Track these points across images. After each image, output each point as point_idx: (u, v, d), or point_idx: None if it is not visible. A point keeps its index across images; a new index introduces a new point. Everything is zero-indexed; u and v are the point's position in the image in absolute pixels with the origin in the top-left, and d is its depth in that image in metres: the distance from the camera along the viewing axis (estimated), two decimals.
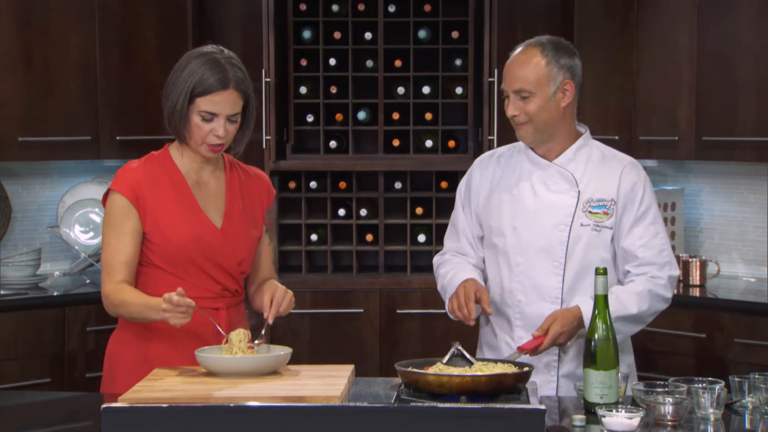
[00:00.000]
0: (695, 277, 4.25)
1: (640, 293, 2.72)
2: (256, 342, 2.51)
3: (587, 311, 2.63)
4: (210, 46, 2.64)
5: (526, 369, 2.38)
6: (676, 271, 2.78)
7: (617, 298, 2.69)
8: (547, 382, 2.76)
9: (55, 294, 4.12)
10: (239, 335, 2.46)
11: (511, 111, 2.74)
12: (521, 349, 2.60)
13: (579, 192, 2.76)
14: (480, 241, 2.90)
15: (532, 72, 2.71)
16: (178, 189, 2.64)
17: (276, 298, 2.58)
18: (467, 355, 2.42)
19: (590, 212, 2.76)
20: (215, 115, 2.58)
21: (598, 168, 2.79)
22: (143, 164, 2.66)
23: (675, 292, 2.75)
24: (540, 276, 2.76)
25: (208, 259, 2.61)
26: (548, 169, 2.79)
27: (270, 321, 2.56)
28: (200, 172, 2.68)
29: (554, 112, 2.74)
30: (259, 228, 2.75)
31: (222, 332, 2.53)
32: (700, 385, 2.40)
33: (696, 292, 4.18)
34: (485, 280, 2.87)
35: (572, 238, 2.74)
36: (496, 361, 2.47)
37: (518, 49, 2.77)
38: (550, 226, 2.76)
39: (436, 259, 2.96)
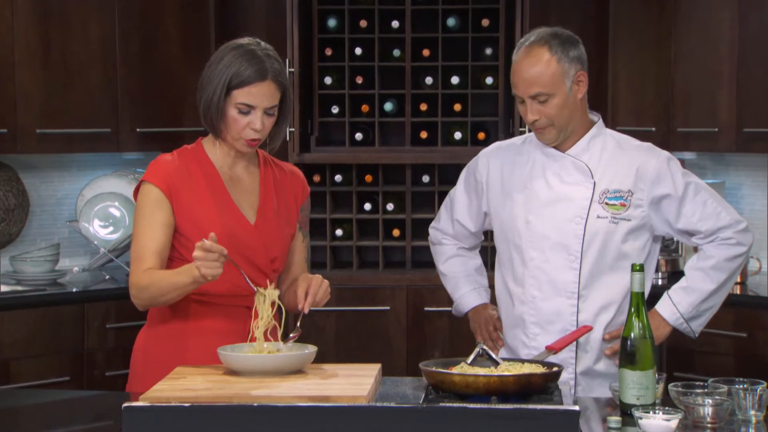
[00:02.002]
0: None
1: (715, 267, 2.81)
2: (291, 335, 2.52)
3: (668, 310, 2.80)
4: (246, 39, 2.66)
5: (555, 369, 2.37)
6: (743, 222, 2.83)
7: (691, 285, 2.81)
8: (563, 382, 2.75)
9: (74, 290, 4.15)
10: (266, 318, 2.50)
11: (531, 116, 2.73)
12: (550, 349, 2.60)
13: (594, 183, 2.76)
14: (472, 225, 3.00)
15: (546, 73, 2.69)
16: (211, 183, 2.66)
17: (312, 287, 2.58)
18: (493, 355, 2.42)
19: (607, 204, 2.76)
20: (252, 107, 2.59)
21: (614, 158, 2.79)
22: (177, 157, 2.68)
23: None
24: (555, 271, 2.77)
25: (240, 255, 2.62)
26: (562, 160, 2.79)
27: (306, 310, 2.56)
28: (234, 167, 2.70)
29: (573, 106, 2.74)
30: (293, 225, 2.76)
31: (252, 286, 2.52)
32: (740, 386, 2.38)
33: (737, 290, 4.15)
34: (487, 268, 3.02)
35: (588, 231, 2.75)
36: (522, 360, 2.47)
37: (522, 50, 2.73)
38: (566, 219, 2.76)
39: (432, 235, 3.10)
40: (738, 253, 2.82)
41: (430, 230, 3.12)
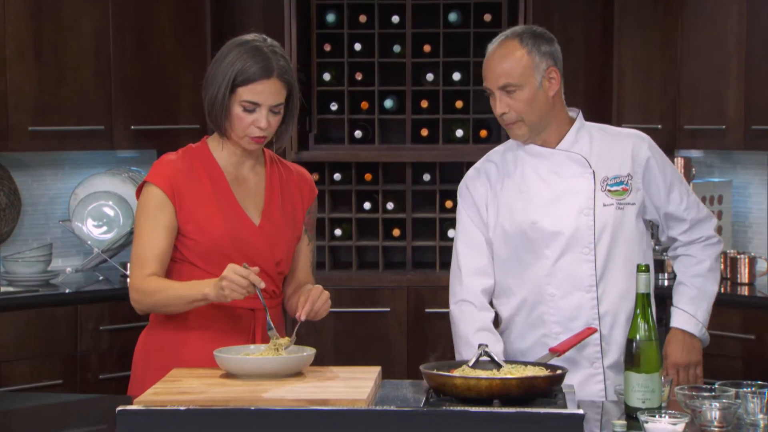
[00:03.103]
0: (743, 275, 4.23)
1: (711, 268, 2.91)
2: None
3: (690, 323, 2.85)
4: (252, 35, 2.66)
5: (559, 372, 2.37)
6: (714, 217, 2.95)
7: (699, 292, 2.88)
8: (592, 376, 2.78)
9: (67, 291, 4.16)
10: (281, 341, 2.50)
11: (499, 109, 2.75)
12: (553, 351, 2.60)
13: (593, 172, 2.79)
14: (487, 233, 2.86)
15: (515, 64, 2.73)
16: (215, 183, 2.66)
17: (312, 295, 2.58)
18: (495, 358, 2.42)
19: (609, 190, 2.80)
20: (257, 105, 2.59)
21: (604, 145, 2.83)
22: (181, 156, 2.68)
23: (722, 287, 2.97)
24: (571, 266, 2.78)
25: (244, 256, 2.61)
26: (554, 156, 2.81)
27: (303, 318, 2.56)
28: (239, 166, 2.70)
29: (544, 102, 2.76)
30: (299, 228, 2.76)
31: (270, 324, 2.54)
32: (748, 389, 2.38)
33: (744, 291, 4.16)
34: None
35: (598, 221, 2.78)
36: (525, 363, 2.47)
37: (494, 44, 2.79)
38: (575, 213, 2.78)
39: (454, 312, 2.88)
40: (720, 250, 2.95)
41: (453, 311, 2.90)
